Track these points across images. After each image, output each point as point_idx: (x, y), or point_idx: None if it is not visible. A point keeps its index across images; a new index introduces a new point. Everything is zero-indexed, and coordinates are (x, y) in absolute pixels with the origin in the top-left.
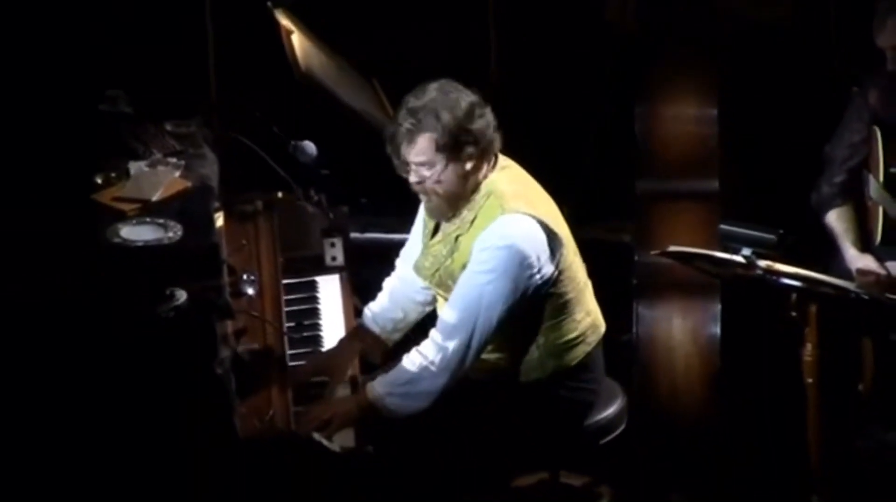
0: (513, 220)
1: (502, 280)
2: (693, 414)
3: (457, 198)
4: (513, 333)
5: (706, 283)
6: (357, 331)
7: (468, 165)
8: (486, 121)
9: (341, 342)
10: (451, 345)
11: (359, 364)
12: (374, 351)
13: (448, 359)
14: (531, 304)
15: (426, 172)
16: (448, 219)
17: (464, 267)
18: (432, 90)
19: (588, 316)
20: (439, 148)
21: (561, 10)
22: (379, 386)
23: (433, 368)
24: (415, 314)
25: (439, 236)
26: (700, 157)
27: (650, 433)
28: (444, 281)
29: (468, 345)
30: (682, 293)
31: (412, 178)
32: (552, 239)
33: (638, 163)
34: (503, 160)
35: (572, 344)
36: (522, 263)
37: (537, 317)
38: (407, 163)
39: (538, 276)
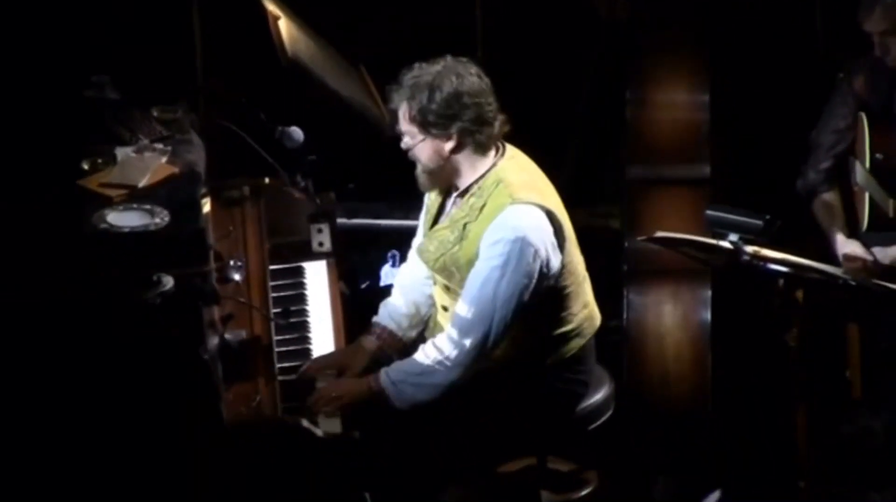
0: (522, 211)
1: (516, 273)
2: (684, 400)
3: (435, 174)
4: (512, 326)
5: (696, 269)
6: (373, 328)
7: (446, 146)
8: (466, 110)
9: (359, 340)
10: (469, 341)
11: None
12: (392, 347)
13: (465, 354)
14: (537, 296)
15: (408, 140)
16: (432, 192)
17: (471, 255)
18: (436, 65)
19: (585, 308)
20: (412, 120)
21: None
22: (393, 374)
23: (448, 362)
24: (426, 308)
25: (446, 222)
26: (692, 143)
27: (641, 419)
28: (447, 266)
29: (485, 340)
30: (673, 279)
31: (402, 144)
32: (559, 230)
33: (629, 148)
34: (511, 149)
35: (569, 336)
36: (534, 254)
37: (537, 310)
38: (399, 129)
39: (546, 267)
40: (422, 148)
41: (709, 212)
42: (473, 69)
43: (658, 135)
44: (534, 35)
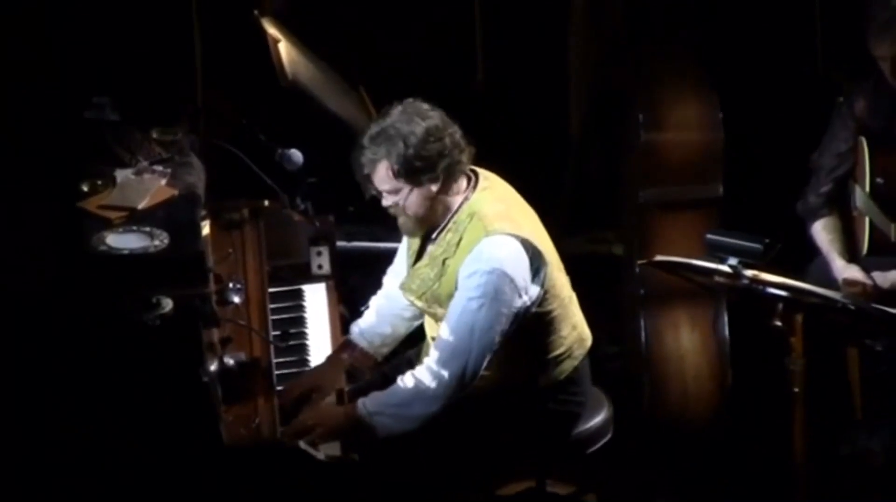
0: (497, 242)
1: (493, 305)
2: (703, 421)
3: (428, 219)
4: (500, 352)
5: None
6: (345, 345)
7: (433, 188)
8: (444, 144)
9: (329, 357)
10: (447, 372)
11: (344, 377)
12: (363, 364)
13: (444, 386)
14: (519, 324)
15: (393, 198)
16: (420, 236)
17: (451, 290)
18: (390, 117)
19: (574, 330)
20: (398, 175)
21: (547, 18)
22: (370, 404)
23: (428, 393)
24: (402, 329)
25: (425, 259)
26: (707, 163)
27: (646, 440)
28: (430, 304)
29: (464, 372)
30: (690, 301)
31: (383, 203)
32: (536, 258)
33: (642, 171)
34: (485, 179)
35: (559, 359)
36: (511, 285)
37: (523, 336)
38: (377, 189)
39: (526, 297)
40: (412, 199)
41: (709, 235)
42: (426, 104)
43: (674, 156)
44: (533, 59)
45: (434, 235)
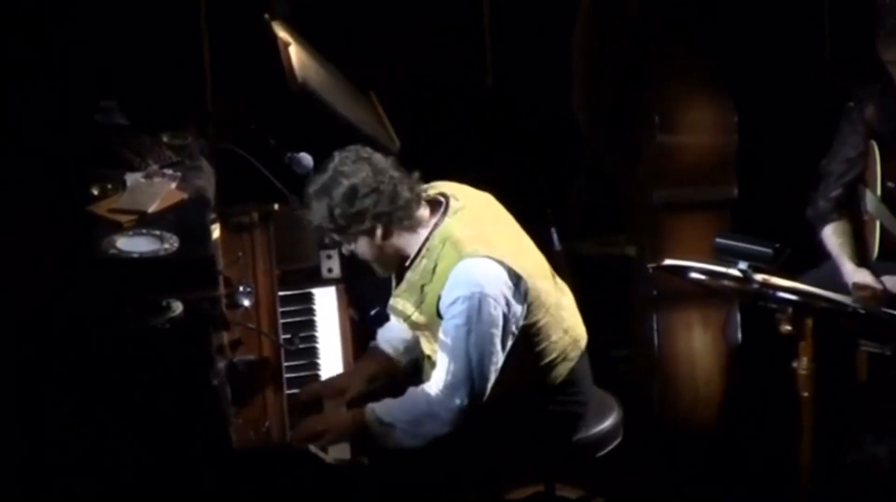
0: (472, 265)
1: (480, 327)
2: (713, 423)
3: (385, 261)
4: None
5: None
6: (371, 352)
7: (377, 235)
8: (372, 198)
9: (356, 364)
10: (458, 399)
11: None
12: (388, 372)
13: (457, 412)
14: (510, 340)
15: (346, 247)
16: (399, 270)
17: (432, 315)
18: (326, 172)
19: (566, 334)
20: (335, 231)
21: (557, 22)
22: (382, 414)
23: (442, 417)
24: None
25: (404, 285)
26: (722, 165)
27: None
28: (417, 327)
29: (472, 394)
30: (703, 302)
31: (344, 250)
32: (514, 277)
33: (657, 172)
34: (456, 201)
35: (553, 363)
36: (493, 304)
37: (514, 349)
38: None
39: (511, 313)
40: (360, 247)
41: (718, 239)
42: (363, 153)
43: (689, 158)
44: (544, 64)
45: (408, 263)
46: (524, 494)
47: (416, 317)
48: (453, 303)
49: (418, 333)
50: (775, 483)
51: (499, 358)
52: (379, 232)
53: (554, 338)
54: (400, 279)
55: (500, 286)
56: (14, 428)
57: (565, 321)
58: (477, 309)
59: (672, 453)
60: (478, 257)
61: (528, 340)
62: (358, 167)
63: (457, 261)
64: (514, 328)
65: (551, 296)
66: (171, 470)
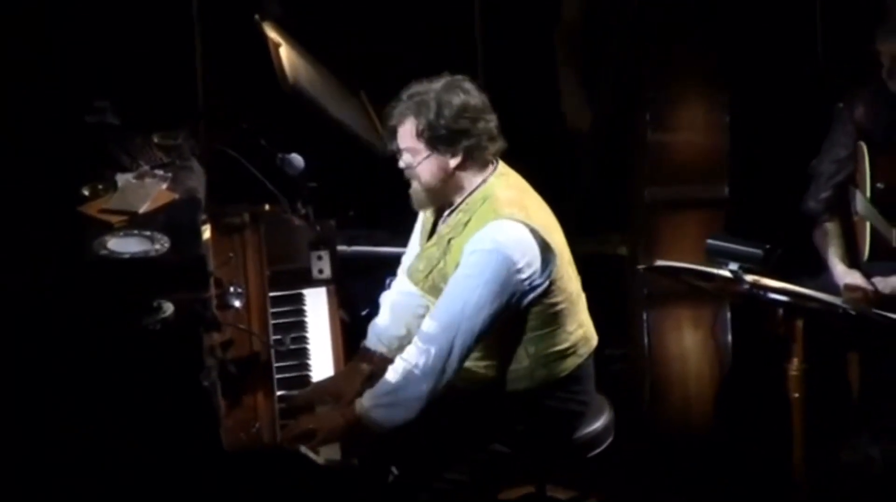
0: (504, 226)
1: (488, 285)
2: (704, 423)
3: (436, 192)
4: (502, 341)
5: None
6: (362, 353)
7: (451, 162)
8: (475, 124)
9: (349, 366)
10: (434, 348)
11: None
12: (383, 371)
13: (431, 362)
14: (520, 313)
15: (409, 158)
16: (430, 210)
17: (454, 269)
18: (438, 82)
19: (580, 328)
20: (419, 136)
21: (548, 20)
22: (365, 400)
23: (416, 372)
24: (416, 328)
25: (434, 239)
26: (713, 164)
27: (650, 443)
28: (436, 284)
29: (450, 350)
30: (694, 301)
31: (400, 163)
32: (545, 249)
33: (649, 170)
34: (503, 167)
35: (563, 355)
36: (510, 269)
37: (527, 326)
38: (398, 147)
39: (527, 283)
40: (425, 165)
41: (710, 241)
42: (473, 85)
43: (680, 156)
44: (537, 59)
45: (445, 215)
46: (515, 495)
47: (440, 268)
48: (472, 253)
49: (428, 301)
50: (767, 483)
51: (487, 324)
52: (458, 159)
53: (569, 328)
54: (430, 238)
55: (526, 253)
56: (3, 428)
57: (581, 315)
58: (493, 266)
59: (663, 453)
60: (513, 220)
61: (544, 322)
62: (477, 92)
63: (491, 219)
64: (522, 298)
65: (574, 284)
66: (162, 471)
